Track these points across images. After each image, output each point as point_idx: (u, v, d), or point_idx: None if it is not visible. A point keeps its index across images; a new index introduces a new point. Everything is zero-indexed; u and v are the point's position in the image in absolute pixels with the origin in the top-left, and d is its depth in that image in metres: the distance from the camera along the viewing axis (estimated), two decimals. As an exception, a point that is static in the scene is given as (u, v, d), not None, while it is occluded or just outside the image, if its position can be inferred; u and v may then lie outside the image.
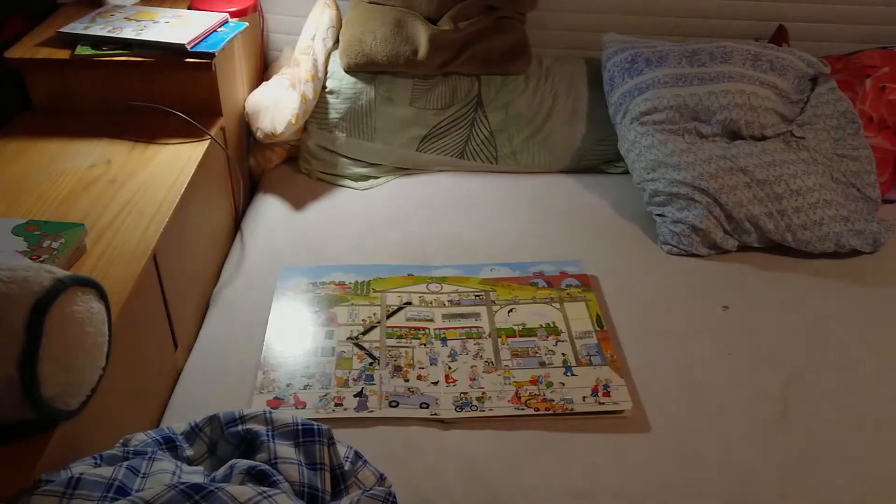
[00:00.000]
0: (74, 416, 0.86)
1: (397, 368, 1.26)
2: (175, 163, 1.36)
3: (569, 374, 1.26)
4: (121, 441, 0.95)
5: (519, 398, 1.21)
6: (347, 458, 0.97)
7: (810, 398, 1.23)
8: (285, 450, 0.91)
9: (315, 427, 0.94)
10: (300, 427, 0.94)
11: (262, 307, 1.38)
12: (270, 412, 0.97)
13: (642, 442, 1.16)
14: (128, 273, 1.09)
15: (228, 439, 0.94)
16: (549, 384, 1.23)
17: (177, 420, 1.16)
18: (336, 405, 1.18)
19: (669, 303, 1.43)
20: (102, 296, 0.90)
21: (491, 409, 1.19)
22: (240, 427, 0.94)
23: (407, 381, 1.24)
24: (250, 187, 1.79)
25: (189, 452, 0.95)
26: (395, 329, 1.34)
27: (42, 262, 1.04)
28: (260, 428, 0.94)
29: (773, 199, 1.53)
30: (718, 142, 1.61)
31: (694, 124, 1.62)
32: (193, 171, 1.35)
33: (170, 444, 0.95)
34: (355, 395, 1.20)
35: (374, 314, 1.37)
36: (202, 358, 1.29)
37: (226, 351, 1.30)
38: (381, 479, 1.00)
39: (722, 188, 1.53)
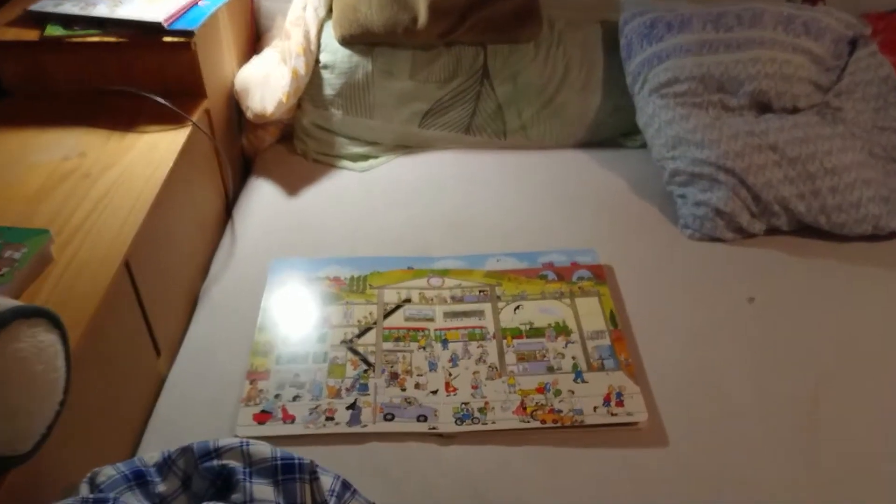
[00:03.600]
0: (27, 461, 0.78)
1: (394, 376, 1.17)
2: (154, 153, 1.26)
3: (579, 380, 1.16)
4: (87, 477, 0.87)
5: (525, 409, 1.12)
6: (333, 491, 0.89)
7: (844, 404, 1.13)
8: (263, 490, 0.83)
9: (295, 462, 0.86)
10: (279, 463, 0.86)
11: (253, 305, 1.29)
12: (248, 444, 0.88)
13: (659, 458, 1.07)
14: (97, 283, 1.01)
15: (203, 474, 0.87)
16: (558, 392, 1.14)
17: (159, 437, 1.09)
18: (327, 419, 1.10)
19: (690, 295, 1.32)
20: (56, 324, 0.81)
21: (494, 422, 1.10)
22: (215, 462, 0.86)
23: (404, 390, 1.15)
24: (243, 168, 1.69)
25: (161, 488, 0.87)
26: (392, 331, 1.24)
27: (1, 276, 0.96)
28: (236, 464, 0.85)
29: (805, 179, 1.40)
30: (746, 116, 1.47)
31: (719, 96, 1.48)
32: (173, 161, 1.25)
33: (140, 480, 0.87)
34: (348, 408, 1.12)
35: (371, 314, 1.27)
36: (188, 364, 1.21)
37: (213, 356, 1.22)
38: (372, 508, 0.92)
39: (749, 167, 1.40)
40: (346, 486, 0.91)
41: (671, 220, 1.49)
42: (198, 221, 1.40)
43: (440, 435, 1.09)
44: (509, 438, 1.09)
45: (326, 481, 0.89)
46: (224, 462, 0.86)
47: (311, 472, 0.87)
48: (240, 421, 1.10)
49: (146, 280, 1.14)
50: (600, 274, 1.34)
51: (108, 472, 0.87)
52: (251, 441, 0.89)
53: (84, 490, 0.85)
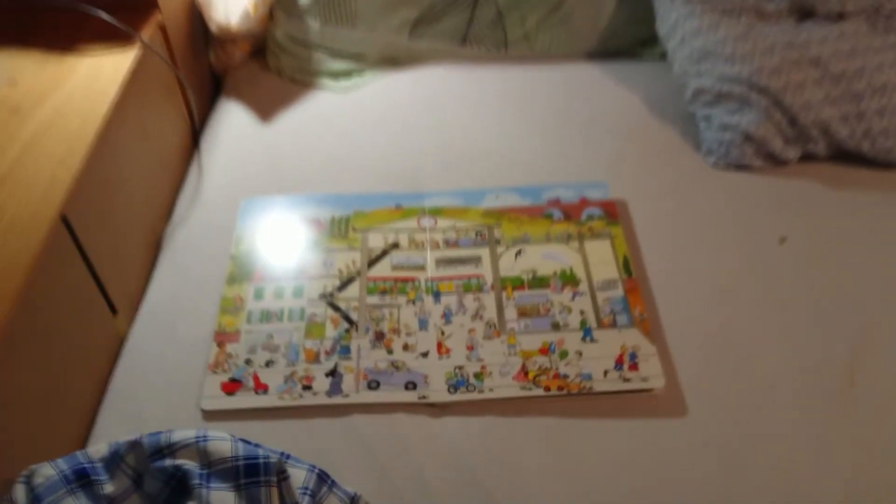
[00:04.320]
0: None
1: (379, 336, 1.04)
2: (97, 81, 1.08)
3: (588, 339, 1.03)
4: (23, 476, 0.76)
5: (526, 374, 0.99)
6: (306, 489, 0.78)
7: (891, 366, 1.00)
8: (222, 497, 0.72)
9: (260, 462, 0.74)
10: (241, 464, 0.74)
11: (221, 253, 1.15)
12: (205, 440, 0.76)
13: (676, 429, 0.95)
14: (27, 244, 0.86)
15: (154, 475, 0.75)
16: (564, 354, 1.01)
17: (117, 412, 0.98)
18: (304, 388, 0.98)
19: (713, 235, 1.17)
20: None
21: (492, 390, 0.98)
22: (168, 461, 0.75)
23: (391, 352, 1.02)
24: (215, 88, 1.50)
25: (109, 489, 0.76)
26: (377, 282, 1.10)
27: None
28: (192, 465, 0.74)
29: (850, 100, 1.22)
30: (784, 24, 1.27)
31: (754, 0, 1.28)
32: (120, 89, 1.07)
33: (84, 480, 0.76)
34: (327, 374, 0.99)
35: (354, 262, 1.13)
36: (149, 323, 1.08)
37: (177, 313, 1.09)
38: (354, 501, 0.81)
39: (786, 86, 1.22)
40: (322, 478, 0.80)
41: (693, 145, 1.33)
42: (156, 157, 1.23)
43: (431, 405, 0.97)
44: (509, 408, 0.97)
45: (299, 476, 0.78)
46: (178, 462, 0.74)
47: (280, 472, 0.75)
48: (206, 391, 0.98)
49: (92, 233, 0.99)
50: (612, 211, 1.19)
51: (46, 472, 0.75)
52: (209, 434, 0.77)
53: (20, 494, 0.73)
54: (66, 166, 0.95)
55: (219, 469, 0.74)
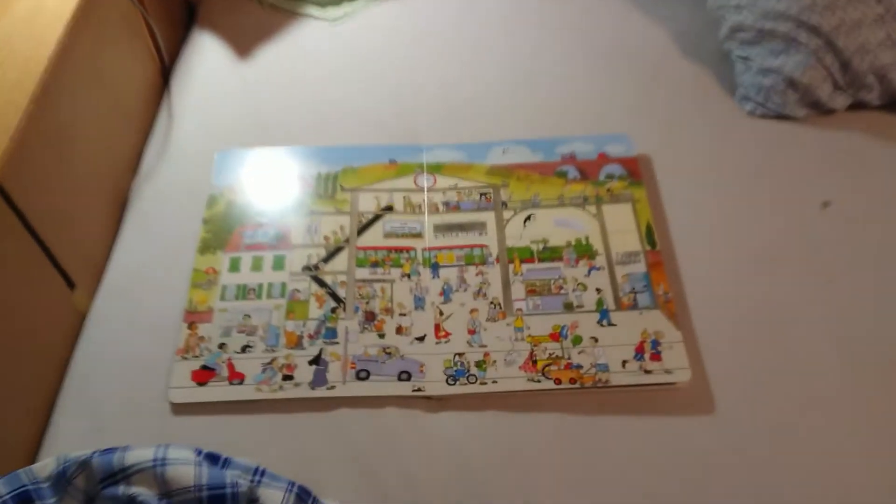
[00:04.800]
0: None
1: (370, 316, 0.92)
2: (38, 17, 0.93)
3: (605, 322, 0.91)
4: (-47, 499, 0.66)
5: (534, 363, 0.88)
6: (281, 513, 0.67)
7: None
8: (179, 533, 0.61)
9: (227, 493, 0.64)
10: (205, 495, 0.64)
11: (193, 215, 1.02)
12: (164, 463, 0.66)
13: (703, 428, 0.84)
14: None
15: (106, 502, 0.65)
16: (577, 340, 0.90)
17: (76, 406, 0.87)
18: (285, 378, 0.87)
19: (749, 197, 1.04)
20: None
21: (495, 381, 0.87)
22: (121, 488, 0.64)
23: (382, 336, 0.91)
24: (189, 16, 1.34)
25: (54, 513, 0.66)
26: (368, 252, 0.98)
27: None
28: (148, 495, 0.63)
29: (914, 41, 1.05)
30: (842, -51, 1.09)
31: (808, -79, 1.09)
32: (66, 26, 0.92)
33: (25, 505, 0.66)
34: (311, 362, 0.88)
35: (342, 228, 1.00)
36: (113, 299, 0.96)
37: (143, 286, 0.97)
38: (337, 518, 0.72)
39: (840, 25, 1.05)
40: (302, 497, 0.70)
41: (726, 87, 1.17)
42: (117, 104, 1.08)
43: (427, 398, 0.86)
44: (514, 402, 0.86)
45: (275, 499, 0.67)
46: (133, 491, 0.63)
47: (251, 501, 0.64)
48: (174, 380, 0.87)
49: (37, 197, 0.86)
50: (635, 170, 1.05)
51: (-20, 495, 0.65)
52: (169, 457, 0.66)
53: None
54: (1, 126, 0.81)
55: (179, 500, 0.64)
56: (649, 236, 0.98)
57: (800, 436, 0.83)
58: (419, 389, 0.86)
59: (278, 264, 0.97)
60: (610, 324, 0.91)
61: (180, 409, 0.86)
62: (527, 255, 0.97)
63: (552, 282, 0.95)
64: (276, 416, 0.85)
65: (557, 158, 1.07)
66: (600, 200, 1.02)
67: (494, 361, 0.88)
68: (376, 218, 1.01)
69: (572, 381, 0.86)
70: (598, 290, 0.94)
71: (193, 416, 0.85)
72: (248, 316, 0.92)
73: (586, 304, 0.93)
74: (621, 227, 0.99)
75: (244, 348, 0.90)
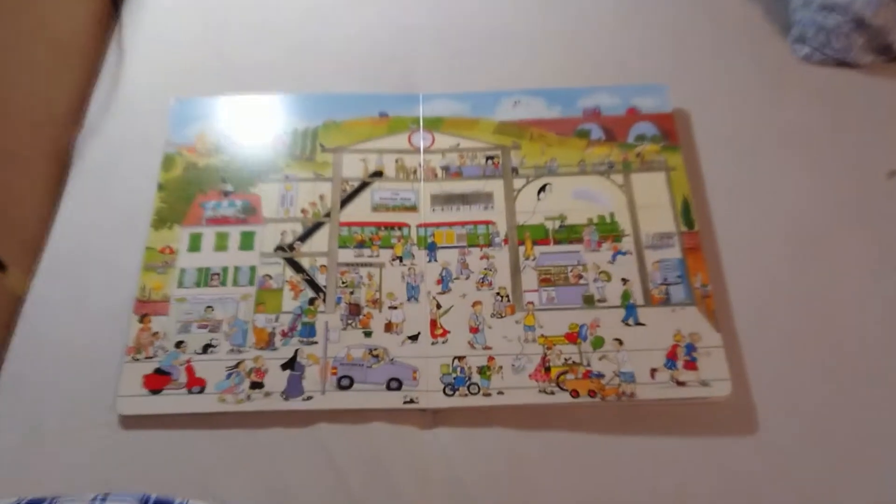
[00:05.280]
0: None
1: (354, 310, 0.78)
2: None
3: (631, 320, 0.77)
4: None
5: (548, 371, 0.74)
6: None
7: None
8: None
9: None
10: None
11: (146, 179, 0.86)
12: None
13: (745, 451, 0.72)
14: None
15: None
16: (598, 342, 0.76)
17: (9, 415, 0.74)
18: (253, 386, 0.74)
19: (803, 164, 0.88)
20: None
21: (501, 393, 0.74)
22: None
23: (369, 334, 0.77)
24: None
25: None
26: (353, 229, 0.83)
27: None
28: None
29: None
30: None
31: None
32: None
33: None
34: (284, 366, 0.75)
35: (322, 198, 0.85)
36: (53, 283, 0.82)
37: (88, 268, 0.82)
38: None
39: (928, -46, 0.87)
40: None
41: (780, 29, 0.99)
42: (55, 42, 0.91)
43: (421, 411, 0.74)
44: (524, 418, 0.74)
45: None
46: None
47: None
48: (123, 387, 0.74)
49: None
50: (670, 130, 0.89)
51: None
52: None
53: None
54: None
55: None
56: (686, 214, 0.83)
57: (858, 460, 0.70)
58: (412, 401, 0.73)
59: (246, 243, 0.82)
60: (637, 323, 0.77)
61: (131, 421, 0.73)
62: (540, 235, 0.82)
63: (570, 269, 0.80)
64: (243, 431, 0.73)
65: (578, 114, 0.90)
66: (628, 167, 0.86)
67: (500, 368, 0.75)
68: (363, 186, 0.86)
69: (592, 393, 0.73)
70: (623, 280, 0.79)
71: (146, 431, 0.73)
72: (211, 308, 0.78)
73: (610, 298, 0.79)
74: (653, 201, 0.84)
75: (206, 348, 0.76)
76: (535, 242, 0.82)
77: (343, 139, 0.88)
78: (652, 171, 0.86)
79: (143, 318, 0.77)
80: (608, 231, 0.82)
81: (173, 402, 0.73)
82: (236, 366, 0.75)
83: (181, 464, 0.71)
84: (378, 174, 0.86)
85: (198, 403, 0.73)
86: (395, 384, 0.74)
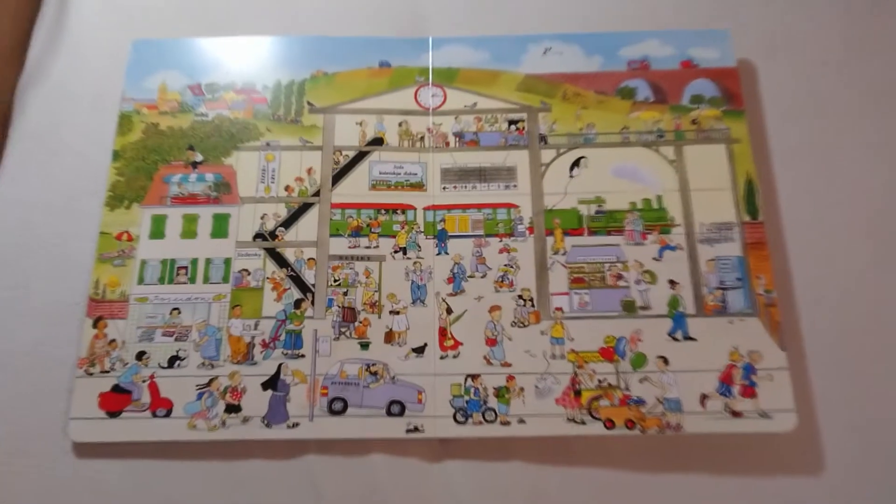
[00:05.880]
0: None
1: (348, 315, 0.66)
2: None
3: (680, 334, 0.65)
4: None
5: (578, 395, 0.63)
6: None
7: None
8: None
9: None
10: None
11: (99, 145, 0.72)
12: None
13: (809, 492, 0.61)
14: None
15: None
16: (639, 360, 0.64)
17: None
18: (229, 410, 0.62)
19: (889, 135, 0.72)
20: None
21: (523, 421, 0.62)
22: None
23: (366, 346, 0.65)
24: None
25: None
26: (348, 212, 0.69)
27: None
28: None
29: None
30: None
31: None
32: None
33: None
34: (265, 385, 0.63)
35: (310, 172, 0.71)
36: (-12, 271, 0.69)
37: (30, 258, 0.69)
38: None
39: None
40: None
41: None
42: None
43: (428, 441, 0.62)
44: (548, 451, 0.63)
45: None
46: None
47: None
48: (76, 408, 0.63)
49: None
50: (734, 89, 0.73)
51: None
52: None
53: None
54: None
55: None
56: (749, 199, 0.69)
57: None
58: (416, 428, 0.62)
59: (219, 228, 0.69)
60: (686, 337, 0.65)
61: (86, 449, 0.62)
62: (573, 224, 0.69)
63: (607, 267, 0.67)
64: (217, 463, 0.62)
65: (622, 67, 0.74)
66: (681, 137, 0.71)
67: (522, 390, 0.63)
68: (360, 157, 0.71)
69: (630, 424, 0.62)
70: (671, 282, 0.66)
71: (103, 461, 0.62)
72: (178, 310, 0.66)
73: (655, 305, 0.66)
74: (711, 181, 0.70)
75: (172, 361, 0.64)
76: (566, 232, 0.68)
77: (335, 96, 0.73)
78: (710, 142, 0.71)
79: (97, 321, 0.65)
80: (655, 219, 0.68)
81: (135, 427, 0.62)
82: (208, 383, 0.63)
83: (145, 499, 0.60)
84: (378, 141, 0.72)
85: (164, 430, 0.62)
86: (396, 408, 0.63)
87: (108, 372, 0.64)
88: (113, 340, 0.65)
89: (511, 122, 0.73)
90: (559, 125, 0.72)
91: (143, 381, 0.63)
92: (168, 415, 0.62)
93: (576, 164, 0.71)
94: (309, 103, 0.73)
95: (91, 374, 0.63)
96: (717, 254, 0.67)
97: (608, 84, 0.74)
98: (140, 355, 0.64)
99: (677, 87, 0.73)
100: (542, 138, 0.72)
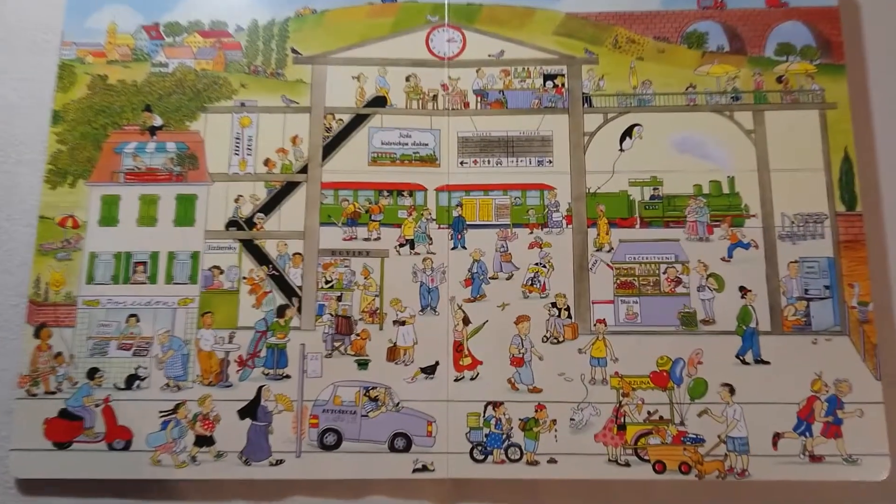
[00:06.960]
0: None
1: (343, 326, 0.54)
2: None
3: (749, 355, 0.53)
4: None
5: (622, 429, 0.52)
6: None
7: None
8: None
9: None
10: None
11: (34, 101, 0.58)
12: None
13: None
14: None
15: None
16: (699, 388, 0.53)
17: None
18: (199, 443, 0.52)
19: None
20: None
21: (553, 460, 0.52)
22: None
23: (364, 364, 0.54)
24: None
25: None
26: (342, 193, 0.56)
27: None
28: None
29: None
30: None
31: None
32: None
33: None
34: (243, 413, 0.53)
35: (296, 141, 0.57)
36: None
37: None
38: None
39: None
40: None
41: None
42: None
43: (440, 481, 0.52)
44: (584, 497, 0.52)
45: None
46: None
47: None
48: (17, 437, 0.53)
49: None
50: (834, 37, 0.57)
51: None
52: None
53: None
54: None
55: None
56: (847, 183, 0.55)
57: None
58: (425, 467, 0.52)
59: (184, 214, 0.56)
60: (759, 360, 0.53)
61: (31, 488, 0.52)
62: (621, 212, 0.56)
63: (663, 269, 0.54)
64: (187, 505, 0.52)
65: (691, 4, 0.58)
66: (763, 100, 0.56)
67: (554, 422, 0.52)
68: (357, 122, 0.57)
69: (685, 468, 0.51)
70: (742, 290, 0.54)
71: (53, 499, 0.52)
72: (135, 317, 0.54)
73: (721, 319, 0.54)
74: (798, 159, 0.56)
75: (131, 381, 0.53)
76: (612, 223, 0.55)
77: (326, 41, 0.58)
78: (800, 107, 0.56)
79: (39, 329, 0.54)
80: (724, 208, 0.55)
81: (88, 461, 0.52)
82: (174, 410, 0.53)
83: (104, 548, 0.51)
84: (380, 101, 0.57)
85: (122, 465, 0.52)
86: (401, 442, 0.52)
87: (54, 393, 0.53)
88: (59, 353, 0.54)
89: (547, 78, 0.58)
90: (608, 82, 0.58)
91: (97, 406, 0.53)
92: (127, 447, 0.52)
93: (627, 133, 0.57)
94: (293, 50, 0.58)
95: (34, 396, 0.53)
96: (801, 254, 0.54)
97: (672, 27, 0.58)
98: (92, 373, 0.53)
99: (760, 32, 0.58)
100: (586, 99, 0.57)
